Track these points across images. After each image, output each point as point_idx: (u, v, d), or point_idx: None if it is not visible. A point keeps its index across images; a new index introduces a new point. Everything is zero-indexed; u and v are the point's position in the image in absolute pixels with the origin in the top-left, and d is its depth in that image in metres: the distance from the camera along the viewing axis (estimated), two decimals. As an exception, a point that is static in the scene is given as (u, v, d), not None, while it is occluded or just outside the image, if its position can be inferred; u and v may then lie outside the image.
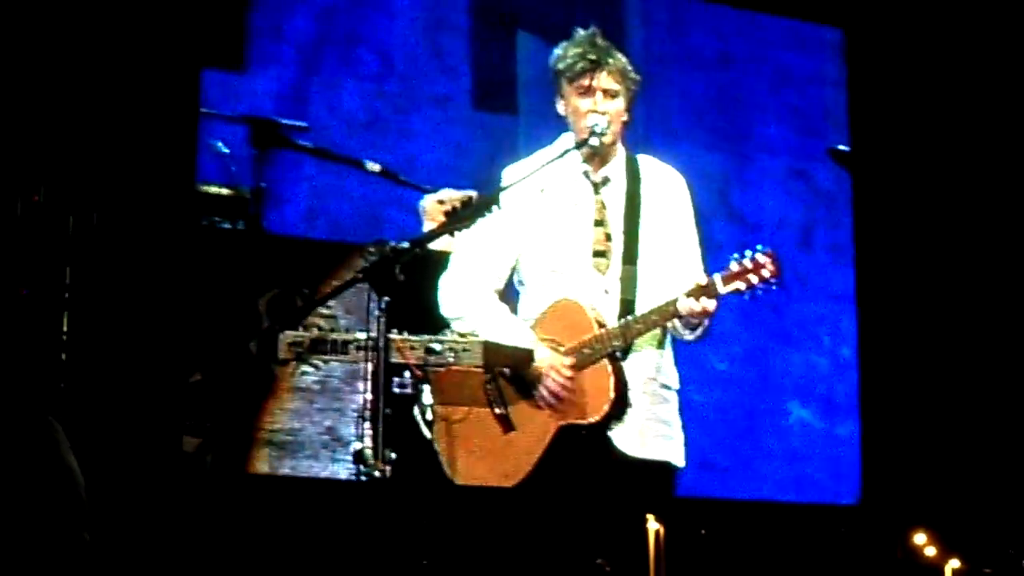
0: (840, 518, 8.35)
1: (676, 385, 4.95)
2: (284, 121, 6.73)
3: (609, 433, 4.76)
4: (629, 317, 4.75)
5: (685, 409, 4.97)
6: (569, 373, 4.72)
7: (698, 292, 4.68)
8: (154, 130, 6.09)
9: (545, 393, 4.74)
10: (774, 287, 4.70)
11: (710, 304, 4.68)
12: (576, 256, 4.86)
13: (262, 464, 6.78)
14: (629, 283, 4.84)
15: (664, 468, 4.87)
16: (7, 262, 5.28)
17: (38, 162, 5.63)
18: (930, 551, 7.94)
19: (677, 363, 4.97)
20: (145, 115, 6.05)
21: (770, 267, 4.69)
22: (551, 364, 4.73)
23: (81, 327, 5.65)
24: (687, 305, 4.67)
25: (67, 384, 5.53)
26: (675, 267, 4.88)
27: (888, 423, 8.41)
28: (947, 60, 8.47)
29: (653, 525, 5.09)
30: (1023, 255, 8.21)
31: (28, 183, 5.52)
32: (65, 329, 5.58)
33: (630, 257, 4.86)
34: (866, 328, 8.62)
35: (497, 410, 4.80)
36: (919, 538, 8.01)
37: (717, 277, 4.70)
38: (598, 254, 4.87)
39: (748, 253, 4.71)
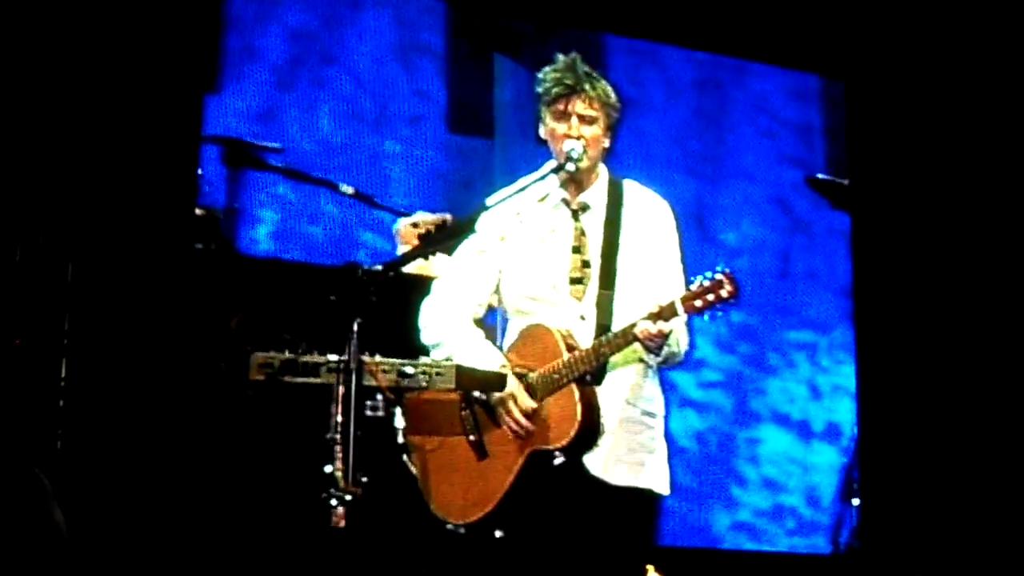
0: (840, 565, 8.29)
1: (660, 411, 4.91)
2: (257, 142, 6.73)
3: (584, 459, 4.73)
4: (597, 340, 4.74)
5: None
6: (530, 403, 4.70)
7: (656, 315, 4.66)
8: (152, 160, 6.05)
9: (508, 421, 4.72)
10: (732, 306, 4.69)
11: (666, 326, 4.65)
12: (553, 283, 4.86)
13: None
14: (605, 308, 4.83)
15: (644, 495, 4.82)
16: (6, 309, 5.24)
17: (36, 209, 5.59)
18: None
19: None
20: (146, 149, 6.01)
21: (728, 287, 4.68)
22: (511, 392, 4.71)
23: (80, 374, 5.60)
24: (644, 327, 4.65)
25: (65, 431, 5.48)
26: (656, 293, 4.85)
27: (886, 462, 8.32)
28: (934, 78, 8.41)
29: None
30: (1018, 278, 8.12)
31: (27, 229, 5.48)
32: (63, 376, 5.54)
33: (607, 283, 4.85)
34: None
35: (471, 437, 4.80)
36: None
37: (676, 299, 4.68)
38: (574, 281, 4.88)
39: (708, 274, 4.70)
